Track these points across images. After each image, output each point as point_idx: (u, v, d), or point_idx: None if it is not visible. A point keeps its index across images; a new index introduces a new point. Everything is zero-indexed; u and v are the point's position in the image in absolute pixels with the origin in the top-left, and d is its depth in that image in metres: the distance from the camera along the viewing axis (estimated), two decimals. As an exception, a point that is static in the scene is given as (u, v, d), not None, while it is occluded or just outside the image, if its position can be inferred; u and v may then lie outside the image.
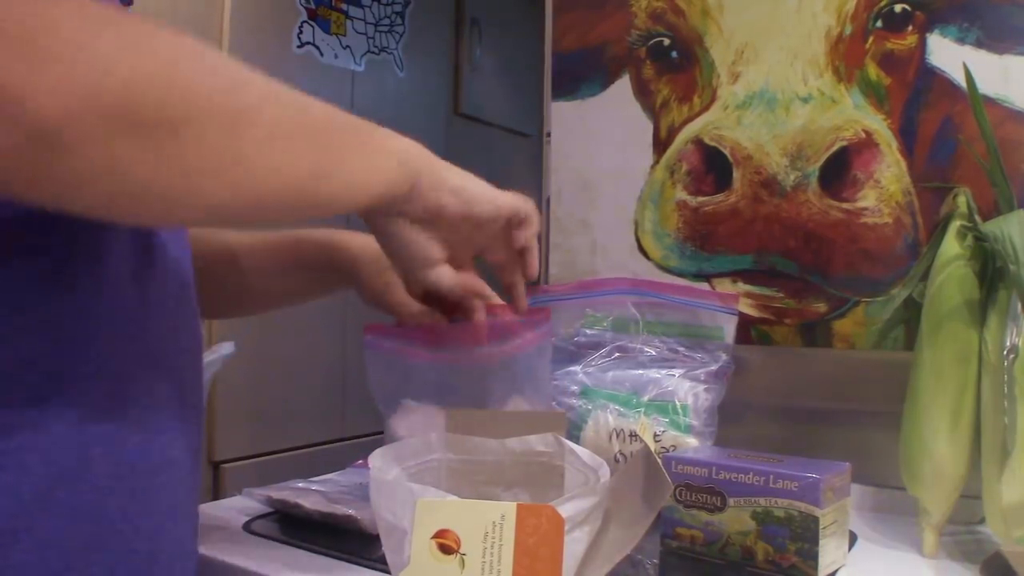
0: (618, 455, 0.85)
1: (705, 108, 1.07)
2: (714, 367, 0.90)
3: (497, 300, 0.69)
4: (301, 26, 1.97)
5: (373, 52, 2.19)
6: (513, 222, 0.63)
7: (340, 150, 0.51)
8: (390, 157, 0.55)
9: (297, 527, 0.80)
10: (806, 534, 0.67)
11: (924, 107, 0.93)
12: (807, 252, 1.00)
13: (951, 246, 0.79)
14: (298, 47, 1.96)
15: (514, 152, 2.73)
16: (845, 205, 0.97)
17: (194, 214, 0.47)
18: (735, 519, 0.71)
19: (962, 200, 0.82)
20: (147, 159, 0.39)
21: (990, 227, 0.76)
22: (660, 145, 1.11)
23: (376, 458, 0.57)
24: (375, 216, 0.58)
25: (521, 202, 0.64)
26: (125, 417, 0.49)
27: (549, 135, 1.22)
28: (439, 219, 0.58)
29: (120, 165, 0.39)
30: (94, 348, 0.48)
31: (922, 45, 0.93)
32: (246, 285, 0.78)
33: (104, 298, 0.49)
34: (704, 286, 1.06)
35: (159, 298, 0.53)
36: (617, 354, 0.93)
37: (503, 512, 0.47)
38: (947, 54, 0.91)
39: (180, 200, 0.43)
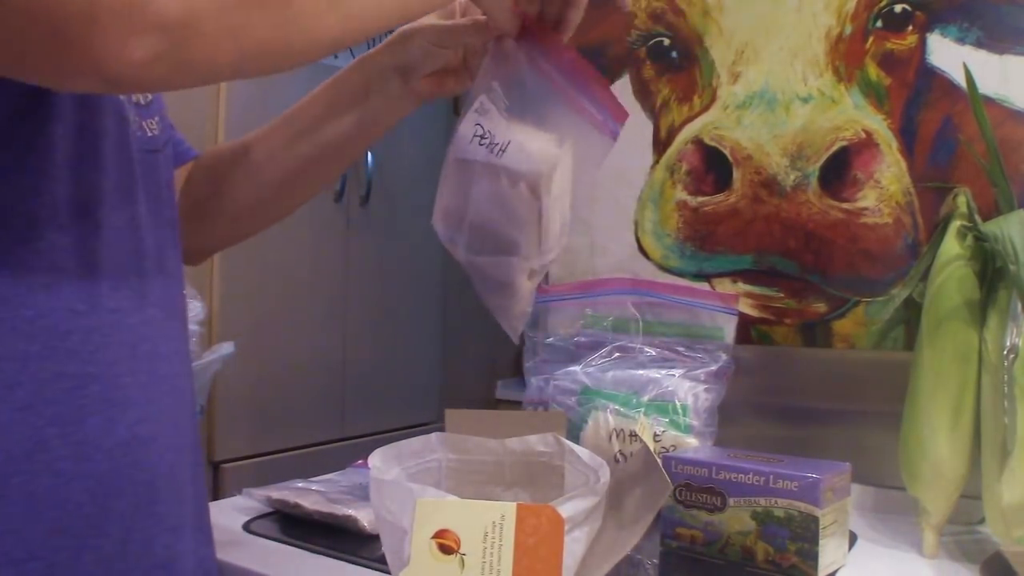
0: (618, 455, 0.85)
1: (705, 108, 1.07)
2: (714, 367, 0.90)
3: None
4: (301, 26, 1.97)
5: (373, 52, 2.19)
6: None
7: None
8: None
9: (297, 527, 0.80)
10: (806, 534, 0.67)
11: (924, 107, 0.93)
12: (807, 252, 1.00)
13: (951, 246, 0.79)
14: (298, 47, 1.96)
15: (514, 152, 2.72)
16: (845, 205, 0.97)
17: (309, 55, 0.49)
18: (735, 519, 0.71)
19: (962, 200, 0.82)
20: (262, 20, 0.44)
21: (990, 227, 0.76)
22: (660, 145, 1.11)
23: (376, 458, 0.57)
24: None
25: None
26: (81, 395, 0.48)
27: (549, 135, 1.22)
28: None
29: (240, 33, 0.43)
30: (37, 327, 0.47)
31: (922, 45, 0.93)
32: (305, 151, 0.71)
33: (42, 272, 0.48)
34: (704, 286, 1.06)
35: (112, 269, 0.51)
36: (617, 354, 0.93)
37: (503, 512, 0.47)
38: (947, 54, 0.91)
39: (296, 47, 0.46)
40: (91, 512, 0.48)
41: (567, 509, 0.47)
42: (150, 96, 0.61)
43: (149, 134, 0.58)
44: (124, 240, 0.53)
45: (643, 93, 1.12)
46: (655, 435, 0.84)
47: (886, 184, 0.95)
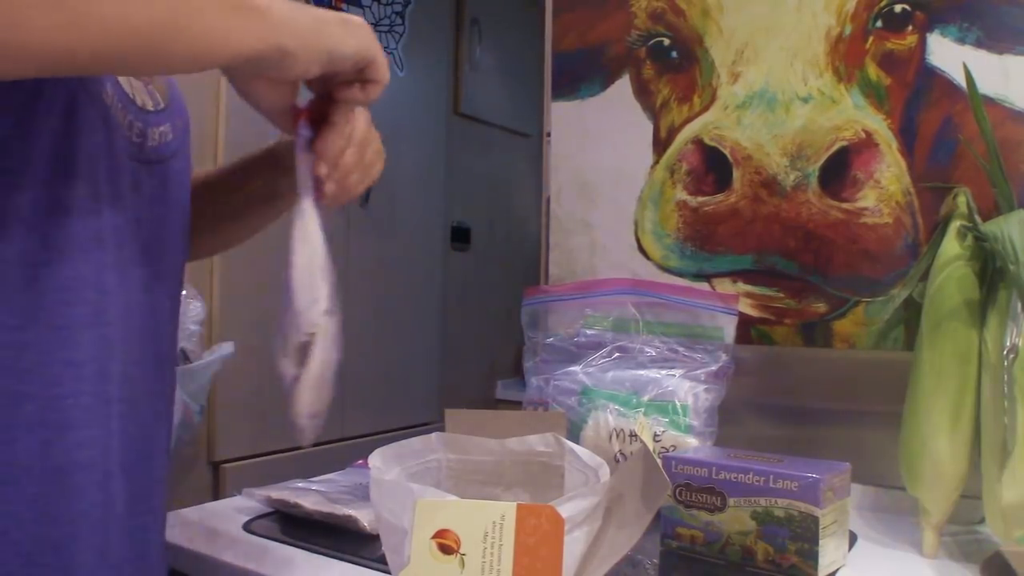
0: (618, 455, 0.85)
1: (705, 108, 1.07)
2: (714, 367, 0.90)
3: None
4: (301, 26, 1.97)
5: (373, 52, 2.19)
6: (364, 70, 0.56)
7: (197, 3, 0.44)
8: (253, 16, 0.47)
9: (297, 527, 0.80)
10: (806, 534, 0.67)
11: (924, 107, 0.93)
12: (807, 252, 1.00)
13: (951, 246, 0.79)
14: (298, 47, 1.96)
15: (514, 152, 2.72)
16: (845, 205, 0.97)
17: (23, 64, 0.41)
18: (735, 519, 0.71)
19: (962, 200, 0.82)
20: None
21: (990, 227, 0.76)
22: (660, 145, 1.11)
23: (376, 458, 0.57)
24: (235, 73, 0.52)
25: (374, 51, 0.55)
26: (11, 415, 0.45)
27: (549, 135, 1.22)
28: (300, 79, 0.53)
29: None
30: None
31: (922, 45, 0.93)
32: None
33: None
34: (704, 286, 1.06)
35: (65, 284, 0.48)
36: (617, 354, 0.93)
37: (503, 512, 0.47)
38: (947, 54, 0.91)
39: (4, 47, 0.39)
40: (20, 538, 0.45)
41: (567, 509, 0.47)
42: (162, 103, 0.57)
43: (151, 143, 0.55)
44: (89, 254, 0.49)
45: (643, 93, 1.12)
46: (655, 435, 0.84)
47: (886, 184, 0.95)
